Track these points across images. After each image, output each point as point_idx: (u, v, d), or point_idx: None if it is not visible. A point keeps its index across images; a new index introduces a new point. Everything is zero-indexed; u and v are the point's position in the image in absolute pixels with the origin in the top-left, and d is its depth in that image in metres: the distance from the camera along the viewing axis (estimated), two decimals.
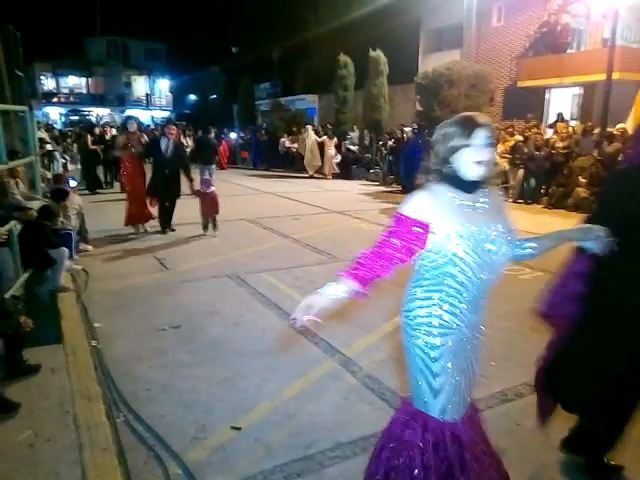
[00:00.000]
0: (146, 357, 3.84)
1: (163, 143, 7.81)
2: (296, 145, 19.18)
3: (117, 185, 12.60)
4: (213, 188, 8.02)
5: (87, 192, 12.55)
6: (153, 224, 8.27)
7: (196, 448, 2.77)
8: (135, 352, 3.92)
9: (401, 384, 3.45)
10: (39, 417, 2.96)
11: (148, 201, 8.09)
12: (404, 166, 13.10)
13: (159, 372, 3.61)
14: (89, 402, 3.12)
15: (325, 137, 17.83)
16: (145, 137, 8.43)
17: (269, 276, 5.91)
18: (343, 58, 20.79)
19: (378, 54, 19.09)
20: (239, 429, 2.93)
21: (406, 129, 14.93)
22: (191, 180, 8.10)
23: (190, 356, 3.87)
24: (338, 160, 17.92)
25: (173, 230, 8.18)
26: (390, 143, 15.85)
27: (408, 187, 12.48)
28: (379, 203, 12.07)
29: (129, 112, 40.09)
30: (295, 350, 4.00)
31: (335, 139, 17.97)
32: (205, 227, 8.00)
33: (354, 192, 14.07)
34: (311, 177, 17.62)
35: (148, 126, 29.29)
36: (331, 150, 17.58)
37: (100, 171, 13.83)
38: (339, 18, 23.15)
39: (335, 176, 17.63)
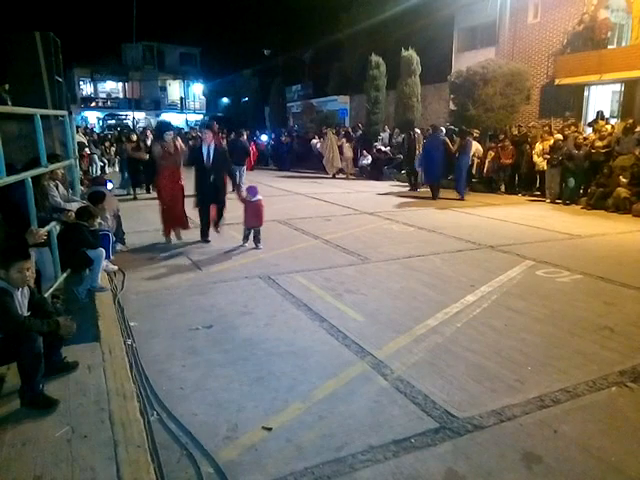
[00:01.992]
0: (179, 356, 3.89)
1: (204, 149, 7.41)
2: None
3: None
4: (259, 197, 7.43)
5: (130, 199, 12.51)
6: (189, 237, 7.89)
7: (228, 447, 2.79)
8: (169, 351, 3.98)
9: (433, 388, 3.39)
10: (76, 414, 3.03)
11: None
12: (423, 165, 13.44)
13: (192, 371, 3.65)
14: (124, 400, 3.18)
15: (343, 140, 18.42)
16: (179, 140, 7.94)
17: (300, 277, 5.91)
18: (375, 58, 20.72)
19: (410, 53, 18.95)
20: (270, 429, 2.93)
21: (417, 130, 15.16)
22: (236, 185, 7.70)
23: (222, 355, 3.91)
24: (369, 161, 17.95)
25: (208, 238, 7.70)
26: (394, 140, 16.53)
27: (432, 186, 12.90)
28: (410, 204, 11.95)
29: (164, 116, 41.07)
30: (326, 351, 3.99)
31: (348, 141, 18.54)
32: (246, 238, 7.45)
33: (385, 193, 13.98)
34: (333, 177, 18.18)
35: (182, 129, 29.81)
36: (349, 151, 18.28)
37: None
38: (371, 18, 23.06)
39: (366, 177, 17.71)
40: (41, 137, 4.84)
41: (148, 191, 13.20)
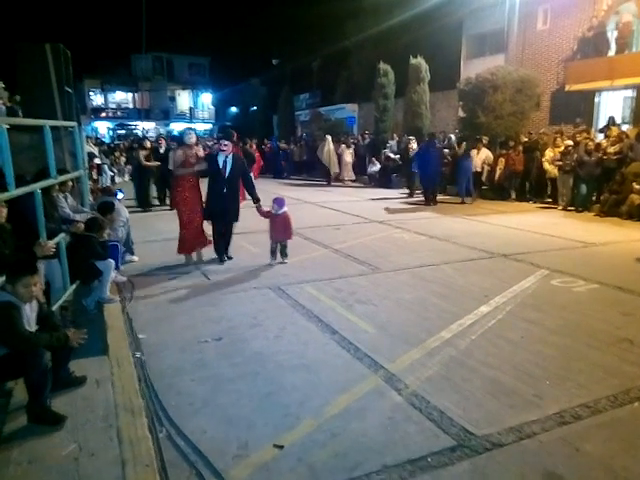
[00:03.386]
0: (189, 370, 3.83)
1: (220, 159, 6.85)
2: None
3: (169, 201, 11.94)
4: (285, 209, 7.04)
5: (139, 210, 12.13)
6: (209, 252, 7.30)
7: (238, 466, 2.71)
8: (178, 364, 3.92)
9: (448, 403, 3.30)
10: (84, 430, 2.97)
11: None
12: (419, 173, 13.95)
13: (201, 385, 3.58)
14: (132, 416, 3.12)
15: (343, 146, 19.04)
16: (201, 151, 7.43)
17: (310, 287, 5.84)
18: (383, 66, 20.70)
19: (419, 61, 18.90)
20: (282, 447, 2.85)
21: (411, 138, 15.75)
22: (257, 200, 7.06)
23: (232, 369, 3.83)
24: (377, 169, 17.93)
25: (230, 258, 7.22)
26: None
27: (426, 192, 13.40)
28: (420, 212, 11.85)
29: (173, 125, 41.33)
30: (338, 365, 3.90)
31: (351, 147, 19.37)
32: (273, 253, 7.01)
33: (395, 201, 13.91)
34: (328, 184, 18.75)
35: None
36: (349, 157, 19.08)
37: (152, 187, 13.10)
38: (379, 26, 23.08)
39: (375, 184, 17.70)
40: (51, 148, 4.84)
41: (162, 203, 12.89)
